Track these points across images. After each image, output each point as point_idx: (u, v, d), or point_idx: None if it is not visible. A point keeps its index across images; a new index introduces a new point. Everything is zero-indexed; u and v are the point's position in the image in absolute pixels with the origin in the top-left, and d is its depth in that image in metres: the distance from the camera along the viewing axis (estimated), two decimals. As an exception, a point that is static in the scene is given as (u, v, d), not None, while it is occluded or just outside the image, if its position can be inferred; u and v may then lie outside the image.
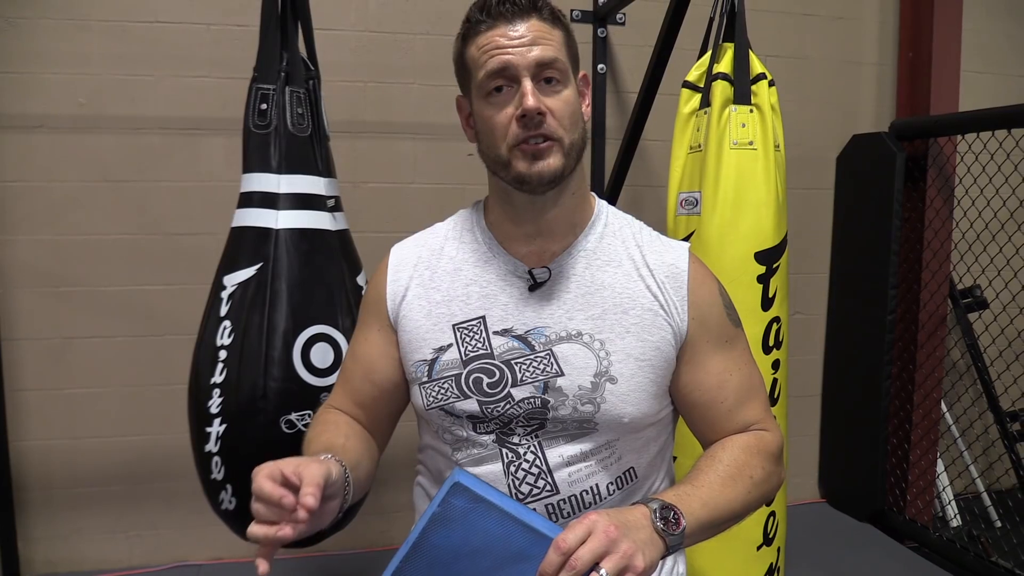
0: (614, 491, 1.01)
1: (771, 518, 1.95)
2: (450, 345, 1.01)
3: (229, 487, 1.62)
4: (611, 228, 1.06)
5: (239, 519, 1.67)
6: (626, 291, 1.00)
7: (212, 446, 1.61)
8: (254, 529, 0.78)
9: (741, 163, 1.88)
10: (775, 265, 1.89)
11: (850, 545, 2.93)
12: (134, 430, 2.74)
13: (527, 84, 0.94)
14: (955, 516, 3.12)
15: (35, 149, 2.58)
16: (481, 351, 0.99)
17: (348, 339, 1.66)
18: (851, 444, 3.10)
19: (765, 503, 1.01)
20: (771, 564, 1.96)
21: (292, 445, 1.56)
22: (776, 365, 1.91)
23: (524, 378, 0.97)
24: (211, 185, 2.69)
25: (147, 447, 2.76)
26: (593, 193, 1.11)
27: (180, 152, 2.67)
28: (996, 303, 2.96)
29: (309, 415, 1.58)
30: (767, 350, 1.88)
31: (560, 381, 0.96)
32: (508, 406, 0.98)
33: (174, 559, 2.79)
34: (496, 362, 0.98)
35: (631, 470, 1.02)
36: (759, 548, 1.93)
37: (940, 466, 3.16)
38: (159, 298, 2.71)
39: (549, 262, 1.02)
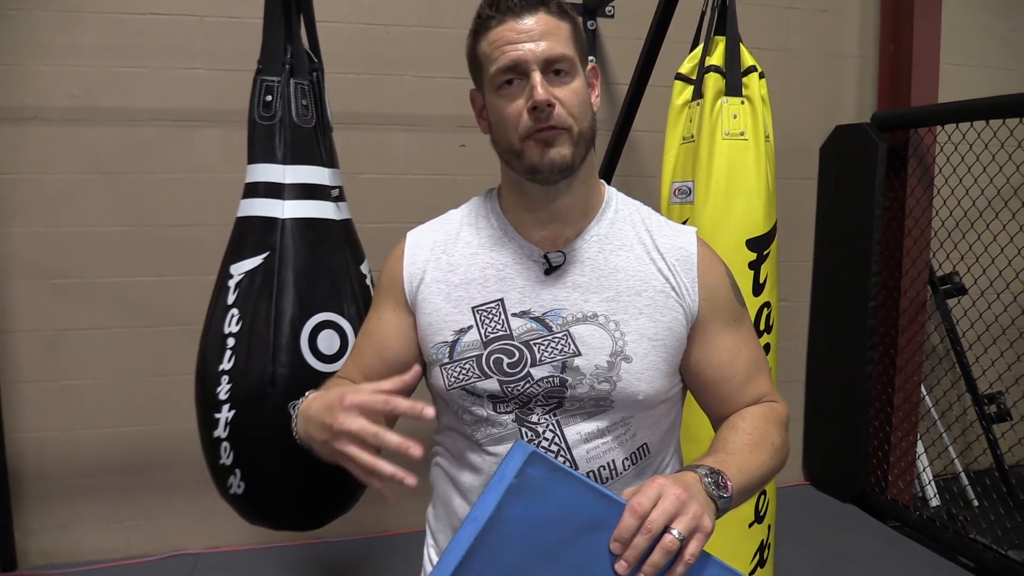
0: (629, 466, 1.05)
1: (762, 496, 2.01)
2: (470, 327, 1.04)
3: (238, 471, 1.65)
4: (621, 213, 1.09)
5: (247, 503, 1.70)
6: (639, 274, 1.03)
7: (221, 431, 1.64)
8: (384, 467, 0.81)
9: (733, 153, 1.93)
10: (765, 252, 1.95)
11: (835, 525, 3.01)
12: (129, 421, 2.76)
13: (536, 76, 0.97)
14: (934, 495, 3.21)
15: (29, 141, 2.58)
16: (501, 332, 1.02)
17: (353, 326, 1.70)
18: (834, 428, 3.19)
19: (780, 470, 1.05)
20: (762, 540, 2.02)
21: (300, 430, 1.61)
22: (767, 349, 1.97)
23: (543, 358, 1.01)
24: (205, 177, 2.70)
25: (143, 438, 2.77)
26: (602, 180, 1.14)
27: (174, 144, 2.68)
28: (974, 289, 3.05)
29: (317, 400, 1.62)
30: (758, 334, 1.94)
31: (577, 361, 1.00)
32: (528, 385, 1.01)
33: (171, 548, 2.81)
34: (516, 343, 1.02)
35: (644, 446, 1.06)
36: (751, 525, 2.00)
37: (920, 448, 3.25)
38: (154, 289, 2.73)
39: (563, 246, 1.05)
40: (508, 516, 0.76)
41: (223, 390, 1.64)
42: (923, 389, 3.23)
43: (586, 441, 1.02)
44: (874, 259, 2.96)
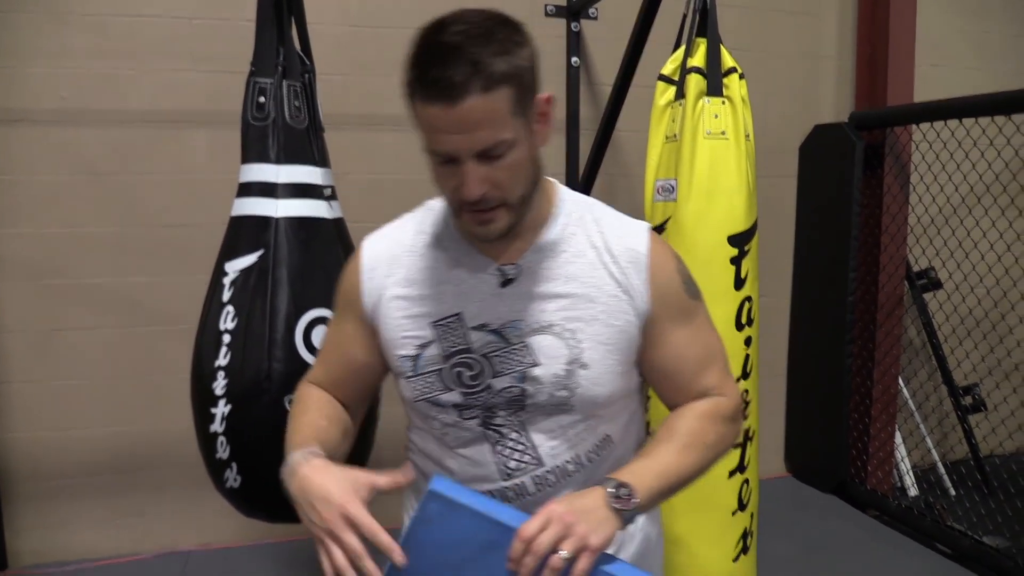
0: (593, 458, 1.09)
1: (745, 485, 2.07)
2: (431, 341, 1.05)
3: (234, 465, 1.68)
4: (573, 217, 1.08)
5: (243, 497, 1.74)
6: (591, 280, 1.04)
7: (217, 426, 1.67)
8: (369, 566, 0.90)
9: (714, 152, 1.99)
10: (746, 248, 2.00)
11: (816, 515, 3.08)
12: (120, 421, 2.77)
13: (468, 170, 0.93)
14: (912, 485, 3.29)
15: (17, 143, 2.59)
16: (461, 346, 1.04)
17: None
18: (815, 420, 3.26)
19: (724, 456, 1.12)
20: (745, 528, 2.08)
21: (296, 424, 1.65)
22: (748, 342, 2.03)
23: (502, 370, 1.03)
24: (195, 178, 2.72)
25: (133, 438, 2.79)
26: (551, 180, 1.12)
27: (164, 145, 2.70)
28: (949, 283, 3.13)
29: (312, 395, 1.66)
30: (740, 327, 2.00)
31: (536, 371, 1.03)
32: (489, 395, 1.04)
33: (162, 547, 2.83)
34: (476, 356, 1.04)
35: (607, 437, 1.10)
36: (734, 514, 2.05)
37: (898, 438, 3.33)
38: (144, 290, 2.74)
39: (516, 257, 1.05)
40: (417, 540, 0.93)
41: (219, 385, 1.67)
42: (901, 381, 3.30)
43: (550, 439, 1.06)
44: (852, 255, 3.03)
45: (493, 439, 1.06)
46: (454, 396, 1.05)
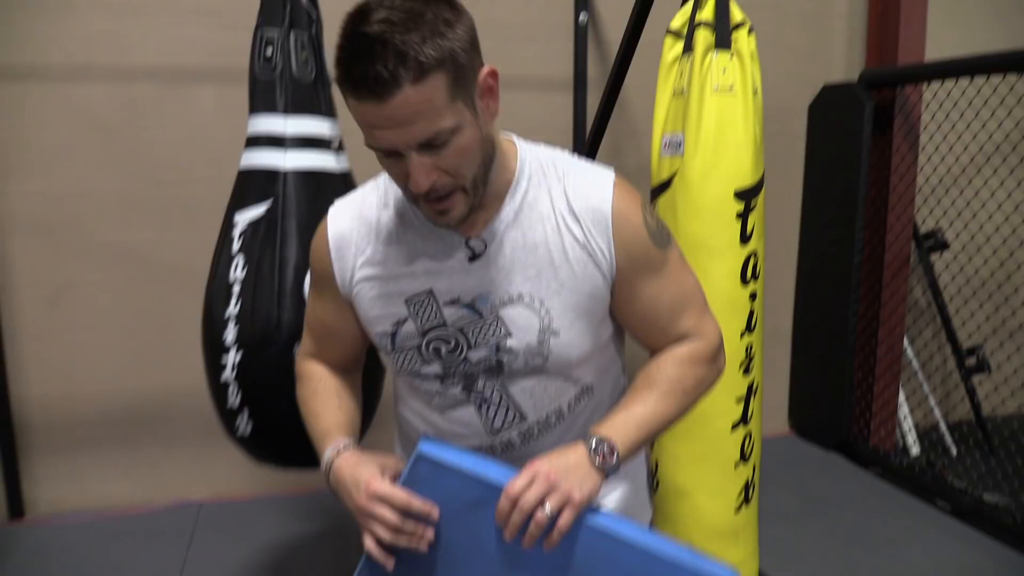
0: (574, 406, 1.12)
1: (747, 438, 2.10)
2: (407, 318, 1.07)
3: (245, 412, 1.72)
4: (535, 180, 1.06)
5: (254, 443, 1.78)
6: (557, 245, 1.03)
7: (228, 375, 1.70)
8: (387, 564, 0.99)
9: (722, 106, 1.98)
10: (753, 203, 2.01)
11: (818, 472, 3.12)
12: (131, 374, 2.82)
13: (413, 161, 0.90)
14: (915, 443, 3.32)
15: (25, 99, 2.60)
16: (435, 322, 1.05)
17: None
18: (819, 378, 3.28)
19: (700, 399, 1.14)
20: (747, 480, 2.11)
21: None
22: (753, 296, 2.04)
23: (477, 341, 1.05)
24: (203, 134, 2.73)
25: (145, 391, 2.84)
26: (510, 139, 1.09)
27: (170, 101, 2.71)
28: (956, 244, 3.12)
29: (321, 343, 1.70)
30: (745, 282, 2.01)
31: (510, 341, 1.04)
32: (467, 366, 1.07)
33: (174, 497, 2.90)
34: (450, 330, 1.05)
35: (586, 387, 1.13)
36: (736, 466, 2.08)
37: (902, 397, 3.35)
38: (153, 245, 2.77)
39: (482, 229, 1.04)
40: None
41: (230, 334, 1.70)
42: (906, 341, 3.32)
43: (531, 396, 1.09)
44: (860, 215, 3.03)
45: (476, 401, 1.09)
46: (434, 368, 1.08)
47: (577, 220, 1.03)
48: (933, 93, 2.98)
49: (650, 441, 1.07)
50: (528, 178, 1.05)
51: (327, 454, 1.08)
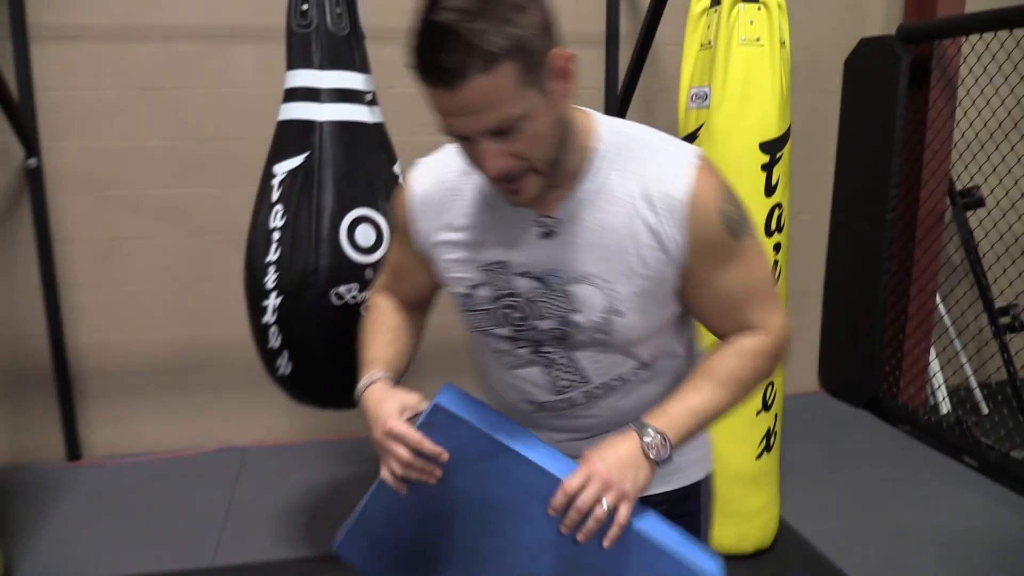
0: (639, 373, 1.15)
1: (770, 387, 2.14)
2: (481, 283, 1.11)
3: (285, 353, 1.81)
4: (610, 160, 1.05)
5: (294, 383, 1.88)
6: (628, 231, 1.04)
7: (269, 318, 1.80)
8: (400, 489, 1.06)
9: (749, 58, 2.00)
10: (778, 155, 2.03)
11: (847, 429, 3.15)
12: (179, 324, 2.95)
13: (485, 147, 0.91)
14: (944, 401, 3.32)
15: (74, 59, 2.71)
16: (507, 290, 1.10)
17: (388, 221, 1.83)
18: (850, 335, 3.29)
19: (754, 391, 1.16)
20: (769, 428, 2.16)
21: (340, 314, 1.78)
22: (777, 248, 2.07)
23: (545, 313, 1.09)
24: (242, 92, 2.82)
25: (192, 340, 2.97)
26: (589, 114, 1.07)
27: (211, 60, 2.79)
28: (991, 202, 3.09)
29: (355, 288, 1.77)
30: (769, 233, 2.04)
31: (576, 316, 1.07)
32: (535, 333, 1.11)
33: (220, 442, 3.05)
34: (521, 299, 1.09)
35: (646, 362, 1.15)
36: (758, 414, 2.13)
37: (932, 355, 3.35)
38: (197, 200, 2.88)
39: (555, 206, 1.06)
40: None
41: (270, 279, 1.79)
42: (938, 299, 3.30)
43: (596, 363, 1.13)
44: (894, 171, 3.01)
45: (543, 363, 1.14)
46: (505, 331, 1.13)
47: (651, 206, 1.03)
48: (972, 46, 2.93)
49: (702, 430, 1.11)
50: (604, 157, 1.05)
51: (361, 383, 1.15)
